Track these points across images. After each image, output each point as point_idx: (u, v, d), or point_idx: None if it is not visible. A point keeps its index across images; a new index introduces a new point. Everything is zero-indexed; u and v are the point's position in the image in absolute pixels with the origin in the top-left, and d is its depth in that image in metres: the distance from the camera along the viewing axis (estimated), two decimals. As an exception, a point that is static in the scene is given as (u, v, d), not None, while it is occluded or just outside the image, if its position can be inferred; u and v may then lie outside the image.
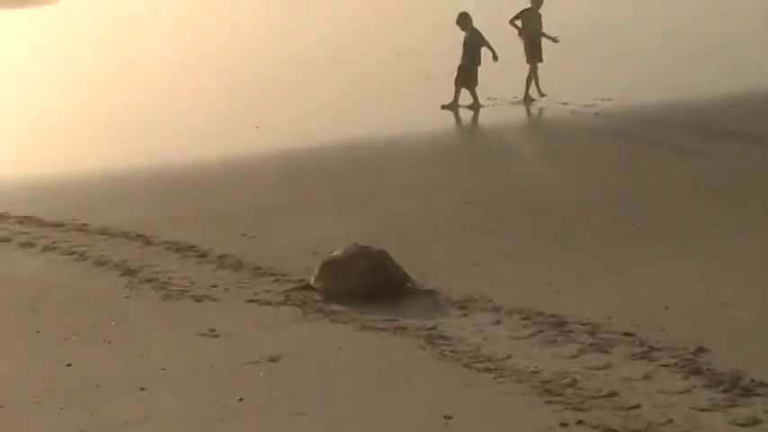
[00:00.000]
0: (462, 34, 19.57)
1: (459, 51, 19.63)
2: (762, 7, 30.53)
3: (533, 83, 19.88)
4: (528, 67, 19.92)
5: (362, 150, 16.18)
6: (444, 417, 6.76)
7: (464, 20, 19.65)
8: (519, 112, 19.29)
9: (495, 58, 19.06)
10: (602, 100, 19.11)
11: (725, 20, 28.95)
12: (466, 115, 19.00)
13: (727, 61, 22.96)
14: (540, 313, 8.58)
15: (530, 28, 19.94)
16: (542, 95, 19.69)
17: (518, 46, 19.92)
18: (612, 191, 12.99)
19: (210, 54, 27.27)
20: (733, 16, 29.86)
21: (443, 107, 19.23)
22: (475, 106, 19.30)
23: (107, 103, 21.37)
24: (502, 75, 19.51)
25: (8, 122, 20.19)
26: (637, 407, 6.73)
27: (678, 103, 18.68)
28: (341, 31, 30.64)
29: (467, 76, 19.37)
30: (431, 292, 9.36)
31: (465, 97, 19.30)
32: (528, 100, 19.69)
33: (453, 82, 19.39)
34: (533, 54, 19.91)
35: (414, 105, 19.58)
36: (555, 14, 20.20)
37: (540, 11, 20.11)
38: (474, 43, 19.40)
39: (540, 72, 19.91)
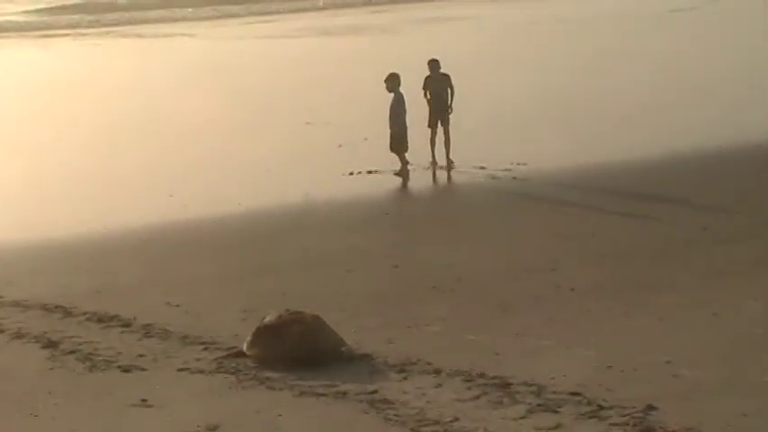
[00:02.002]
0: (389, 97, 19.39)
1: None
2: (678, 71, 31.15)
3: (440, 146, 19.81)
4: (430, 131, 19.88)
5: (282, 217, 15.95)
6: (397, 483, 6.54)
7: (392, 80, 19.50)
8: (440, 177, 19.26)
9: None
10: (518, 164, 19.14)
11: (638, 86, 29.37)
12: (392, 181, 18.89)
13: (637, 126, 23.22)
14: (482, 375, 8.45)
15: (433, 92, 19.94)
16: (452, 162, 19.64)
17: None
18: (543, 254, 12.92)
19: (118, 123, 26.88)
20: (646, 82, 30.31)
21: (395, 174, 19.07)
22: (403, 172, 19.18)
23: (11, 173, 20.86)
24: (422, 139, 19.45)
25: None
26: (594, 468, 6.59)
27: (591, 167, 18.78)
28: (250, 101, 30.48)
29: (397, 141, 19.25)
30: (367, 356, 9.19)
31: (395, 162, 19.17)
32: (449, 164, 19.67)
33: (390, 150, 19.24)
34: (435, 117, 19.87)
35: (328, 172, 19.40)
36: (462, 79, 20.19)
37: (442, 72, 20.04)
38: (399, 107, 19.29)
39: (452, 136, 19.86)
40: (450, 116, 19.84)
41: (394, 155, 19.26)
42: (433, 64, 20.15)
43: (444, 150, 19.83)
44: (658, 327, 9.74)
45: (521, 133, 22.55)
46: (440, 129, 19.80)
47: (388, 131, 19.34)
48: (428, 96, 20.00)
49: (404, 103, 19.29)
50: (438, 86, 19.98)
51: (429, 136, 19.87)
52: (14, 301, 11.68)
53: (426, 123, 19.87)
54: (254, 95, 31.76)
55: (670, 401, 7.63)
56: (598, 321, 10.01)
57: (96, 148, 23.29)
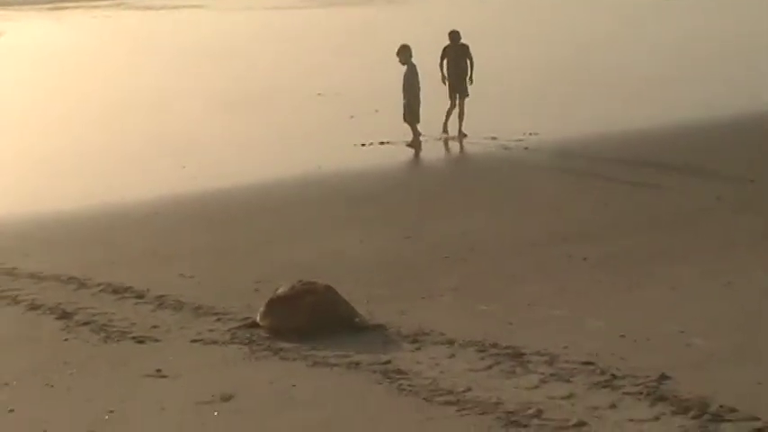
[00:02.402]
0: (401, 69, 19.37)
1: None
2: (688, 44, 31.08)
3: (453, 117, 19.81)
4: (450, 102, 19.88)
5: (295, 188, 15.97)
6: (411, 452, 6.57)
7: (404, 52, 19.48)
8: (452, 148, 19.25)
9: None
10: (530, 134, 19.11)
11: (650, 56, 29.29)
12: (404, 153, 18.87)
13: (651, 95, 23.15)
14: (495, 345, 8.45)
15: (452, 62, 19.92)
16: (464, 134, 19.62)
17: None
18: (555, 224, 12.91)
19: (130, 97, 26.89)
20: (658, 52, 30.22)
21: (407, 145, 19.08)
22: (415, 143, 19.18)
23: (25, 145, 20.90)
24: (432, 110, 19.42)
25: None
26: (608, 436, 6.60)
27: (603, 137, 18.74)
28: (260, 72, 30.45)
29: (410, 112, 19.25)
30: (380, 327, 9.18)
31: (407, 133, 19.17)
32: (461, 135, 19.66)
33: (403, 121, 19.24)
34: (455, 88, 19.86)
35: (340, 144, 19.41)
36: (472, 49, 20.12)
37: (461, 42, 20.02)
38: (413, 78, 19.26)
39: (465, 107, 19.85)
40: (470, 87, 19.85)
41: (406, 126, 19.26)
42: (454, 35, 20.15)
43: (458, 122, 19.83)
44: (671, 296, 9.73)
45: (533, 104, 22.52)
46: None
47: (400, 102, 19.33)
48: (444, 67, 19.95)
49: (417, 74, 19.27)
50: (457, 57, 19.96)
51: (447, 107, 19.86)
52: (29, 272, 11.72)
53: (446, 95, 19.86)
54: (264, 67, 31.77)
55: (683, 371, 7.63)
56: (610, 291, 10.00)
57: (108, 120, 23.34)
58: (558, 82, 25.42)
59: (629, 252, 11.40)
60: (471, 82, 19.79)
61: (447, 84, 19.95)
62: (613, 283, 10.28)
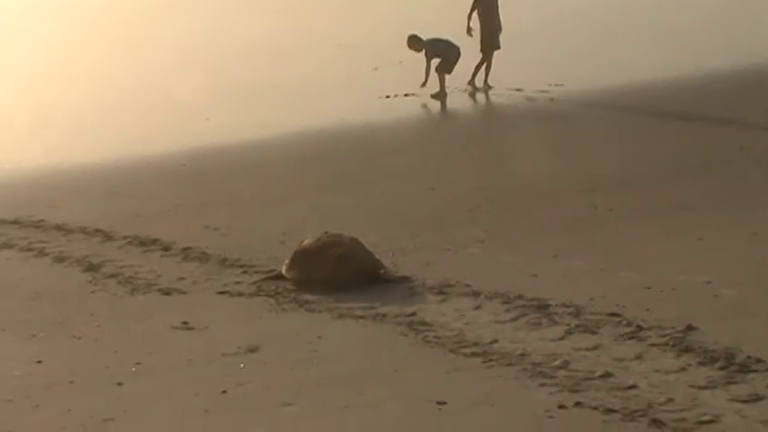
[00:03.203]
0: None
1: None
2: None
3: (482, 71, 19.73)
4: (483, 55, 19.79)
5: (319, 140, 15.97)
6: (437, 403, 6.57)
7: (413, 43, 19.34)
8: (477, 100, 19.18)
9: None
10: (555, 85, 19.02)
11: (675, 4, 29.02)
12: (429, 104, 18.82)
13: (674, 45, 22.97)
14: (520, 297, 8.42)
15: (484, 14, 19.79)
16: (489, 86, 19.54)
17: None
18: (579, 174, 12.86)
19: (156, 48, 26.87)
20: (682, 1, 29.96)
21: (432, 96, 19.03)
22: (441, 95, 19.12)
23: (51, 97, 20.94)
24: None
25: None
26: (634, 387, 6.59)
27: (629, 87, 18.62)
28: (282, 25, 30.34)
29: (445, 64, 19.18)
30: (405, 279, 9.18)
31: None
32: (486, 87, 19.59)
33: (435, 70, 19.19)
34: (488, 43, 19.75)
35: (363, 96, 19.37)
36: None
37: None
38: (444, 44, 19.20)
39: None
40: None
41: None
42: None
43: (484, 74, 19.73)
44: (697, 247, 9.68)
45: (557, 54, 22.36)
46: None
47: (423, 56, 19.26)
48: (471, 20, 19.75)
49: (443, 41, 19.16)
50: (492, 10, 19.79)
51: (477, 62, 19.73)
52: (56, 224, 11.78)
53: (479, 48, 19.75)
54: (285, 18, 31.63)
55: (710, 321, 7.59)
56: (636, 242, 9.96)
57: (134, 74, 23.34)
58: (586, 29, 25.25)
59: (655, 203, 11.34)
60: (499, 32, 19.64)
61: (481, 37, 19.76)
62: (639, 234, 10.23)
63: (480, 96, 19.33)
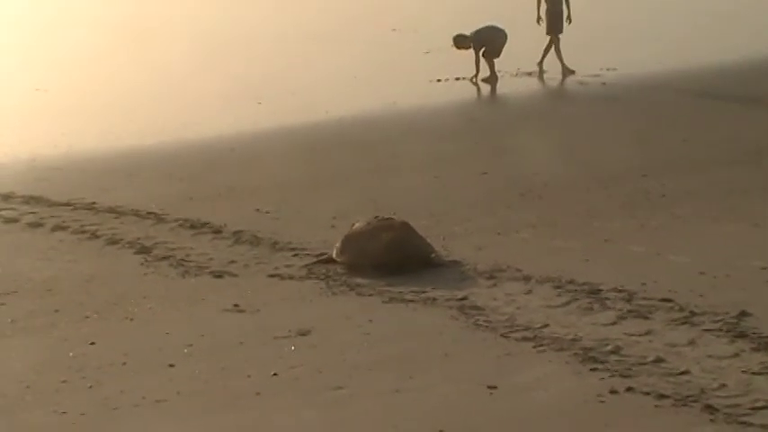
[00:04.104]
0: None
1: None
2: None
3: (551, 55, 19.62)
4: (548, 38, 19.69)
5: (371, 124, 15.96)
6: (488, 387, 6.56)
7: (459, 42, 19.32)
8: (529, 84, 19.10)
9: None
10: (607, 70, 18.91)
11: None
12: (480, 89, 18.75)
13: (726, 30, 22.76)
14: (571, 281, 8.38)
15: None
16: (570, 70, 19.40)
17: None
18: (632, 160, 12.77)
19: (207, 31, 26.98)
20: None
21: (483, 80, 19.00)
22: (492, 78, 19.08)
23: (103, 82, 21.07)
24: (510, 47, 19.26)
25: (3, 103, 19.80)
26: (686, 372, 6.54)
27: (682, 72, 18.48)
28: (335, 9, 30.36)
29: (491, 49, 19.15)
30: (456, 263, 9.16)
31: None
32: (540, 71, 19.52)
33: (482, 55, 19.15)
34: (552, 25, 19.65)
35: (416, 79, 19.34)
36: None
37: None
38: (490, 32, 19.16)
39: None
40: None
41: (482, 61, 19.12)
42: None
43: (558, 61, 19.59)
44: (752, 232, 9.59)
45: (610, 39, 22.23)
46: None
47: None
48: (541, 8, 19.66)
49: (491, 28, 19.11)
50: None
51: (545, 45, 19.63)
52: (109, 207, 11.84)
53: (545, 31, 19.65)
54: (338, 2, 31.66)
55: (764, 307, 7.51)
56: (689, 227, 9.89)
57: (185, 56, 23.43)
58: (639, 13, 25.07)
59: (709, 187, 11.26)
60: (569, 22, 19.50)
61: (547, 21, 19.66)
62: (693, 219, 10.16)
63: (532, 81, 19.23)
